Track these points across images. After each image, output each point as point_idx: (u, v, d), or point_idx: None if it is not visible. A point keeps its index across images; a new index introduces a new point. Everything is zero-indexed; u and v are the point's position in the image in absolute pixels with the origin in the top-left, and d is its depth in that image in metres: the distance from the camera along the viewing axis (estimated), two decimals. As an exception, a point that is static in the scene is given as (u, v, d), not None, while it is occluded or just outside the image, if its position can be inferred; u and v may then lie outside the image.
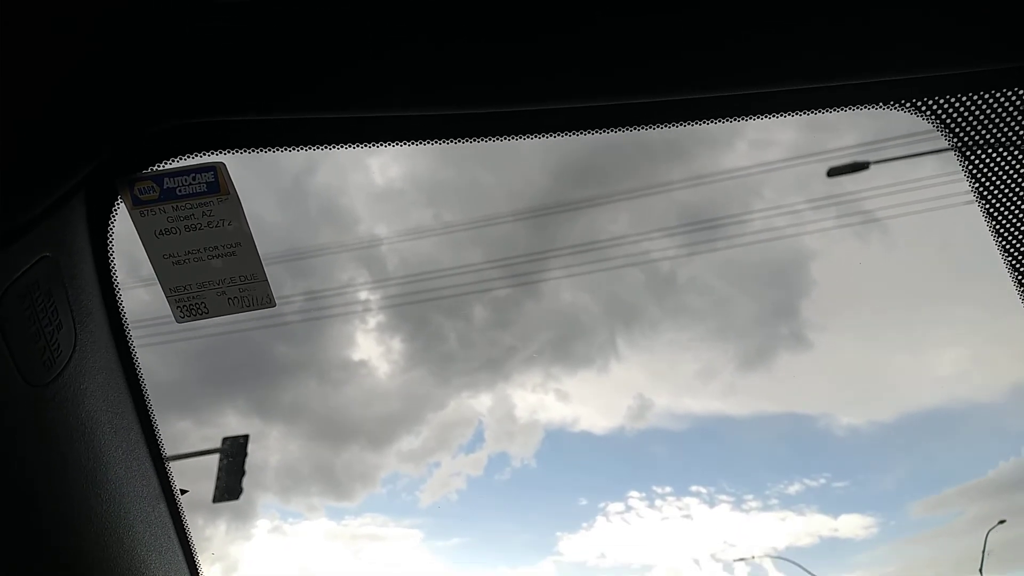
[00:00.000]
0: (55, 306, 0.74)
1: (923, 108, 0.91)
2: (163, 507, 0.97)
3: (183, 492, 1.02)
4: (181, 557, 1.01)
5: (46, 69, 0.61)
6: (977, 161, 0.95)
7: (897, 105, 0.90)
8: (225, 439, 13.52)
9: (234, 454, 13.16)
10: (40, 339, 0.71)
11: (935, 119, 0.92)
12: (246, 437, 13.36)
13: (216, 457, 12.75)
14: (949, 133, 0.93)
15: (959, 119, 0.92)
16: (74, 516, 0.79)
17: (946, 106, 0.91)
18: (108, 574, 0.84)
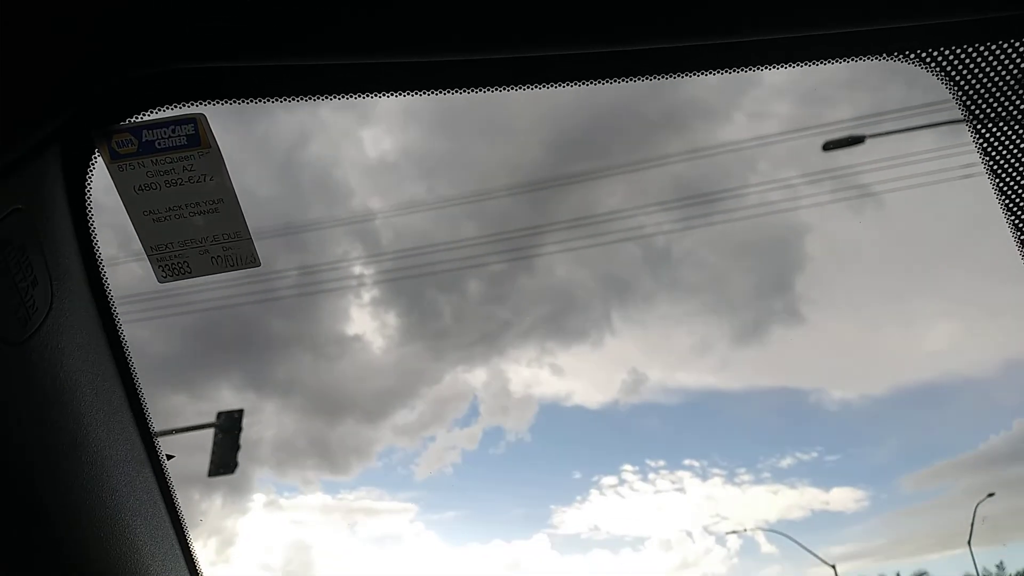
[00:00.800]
0: (29, 262, 0.71)
1: (927, 59, 0.87)
2: (148, 472, 0.95)
3: (169, 457, 1.00)
4: (168, 522, 0.99)
5: (17, 8, 0.57)
6: (983, 117, 0.91)
7: (900, 56, 0.86)
8: (220, 413, 13.54)
9: (229, 428, 13.19)
10: (14, 296, 0.69)
11: (940, 71, 0.88)
12: (241, 411, 13.38)
13: (211, 431, 12.78)
14: (954, 87, 0.90)
15: (965, 72, 0.88)
16: (54, 478, 0.77)
17: (951, 58, 0.87)
18: (90, 538, 0.82)
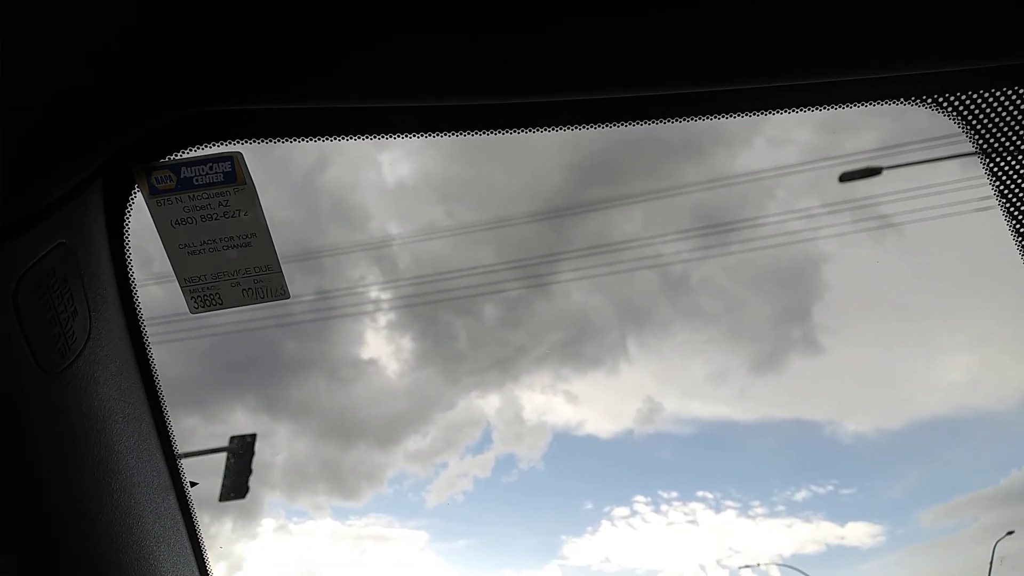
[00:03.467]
0: (71, 293, 0.74)
1: (944, 105, 0.89)
2: (172, 499, 0.97)
3: (193, 484, 1.02)
4: (189, 549, 1.00)
5: (64, 54, 0.60)
6: (1000, 161, 0.93)
7: (918, 101, 0.88)
8: (233, 438, 13.53)
9: (241, 453, 13.19)
10: (55, 326, 0.71)
11: (957, 116, 0.90)
12: (254, 436, 13.38)
13: (223, 455, 12.78)
14: (971, 131, 0.91)
15: (982, 117, 0.90)
16: (84, 504, 0.79)
17: (969, 103, 0.89)
18: (117, 564, 0.84)
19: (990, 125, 0.91)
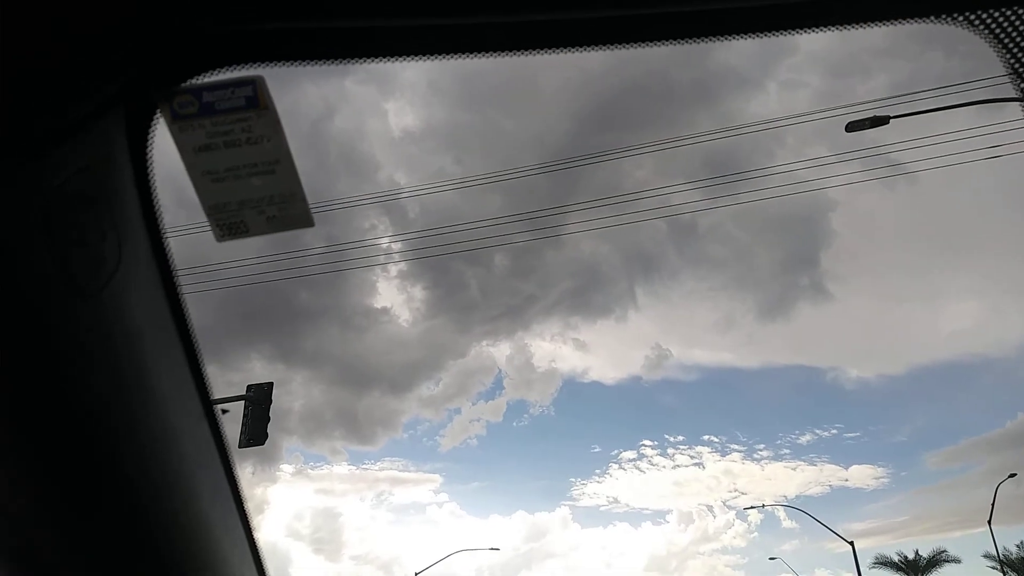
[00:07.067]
0: (98, 217, 0.75)
1: (976, 22, 0.85)
2: (205, 426, 0.99)
3: (224, 412, 1.05)
4: (223, 473, 1.03)
5: None
6: None
7: (948, 18, 0.85)
8: (250, 386, 13.79)
9: (259, 401, 13.43)
10: (86, 247, 0.72)
11: (989, 35, 0.86)
12: (271, 384, 13.62)
13: (242, 403, 13.02)
14: (1004, 51, 0.87)
15: (1016, 35, 0.86)
16: (121, 424, 0.81)
17: (1002, 20, 0.85)
18: (153, 482, 0.86)
19: None
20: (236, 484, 1.07)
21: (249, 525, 1.11)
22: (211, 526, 0.99)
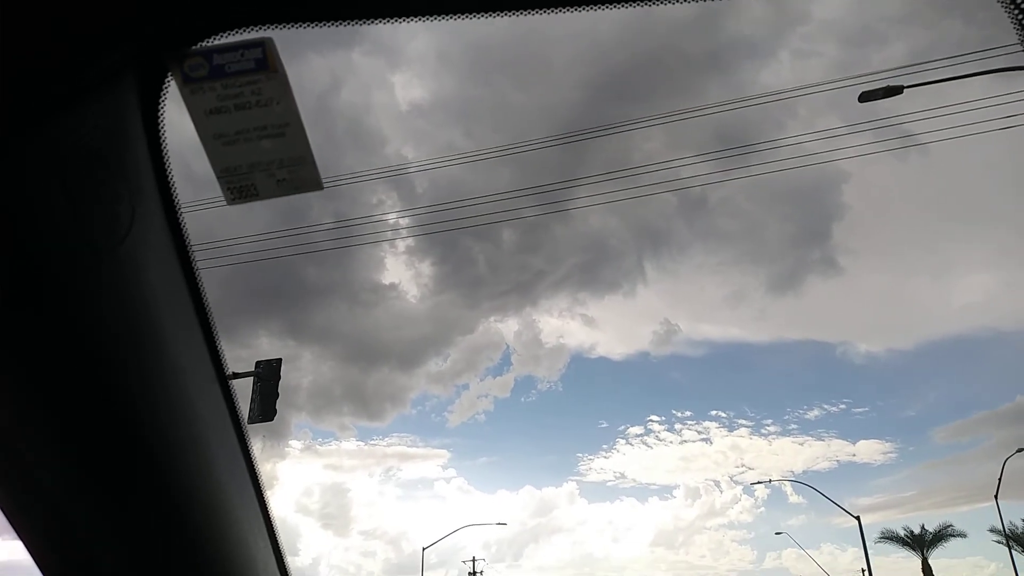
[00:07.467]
0: (112, 176, 0.76)
1: None
2: (217, 389, 1.01)
3: (236, 376, 1.06)
4: (235, 437, 1.05)
5: None
6: None
7: None
8: (259, 362, 13.88)
9: (268, 377, 13.53)
10: (101, 205, 0.73)
11: (1012, 6, 0.84)
12: (279, 360, 13.71)
13: (250, 379, 13.12)
14: (1022, 19, 0.85)
15: None
16: (136, 385, 0.82)
17: None
18: (166, 440, 0.88)
19: None
20: (248, 451, 1.09)
21: (262, 493, 1.13)
22: (228, 493, 1.01)
